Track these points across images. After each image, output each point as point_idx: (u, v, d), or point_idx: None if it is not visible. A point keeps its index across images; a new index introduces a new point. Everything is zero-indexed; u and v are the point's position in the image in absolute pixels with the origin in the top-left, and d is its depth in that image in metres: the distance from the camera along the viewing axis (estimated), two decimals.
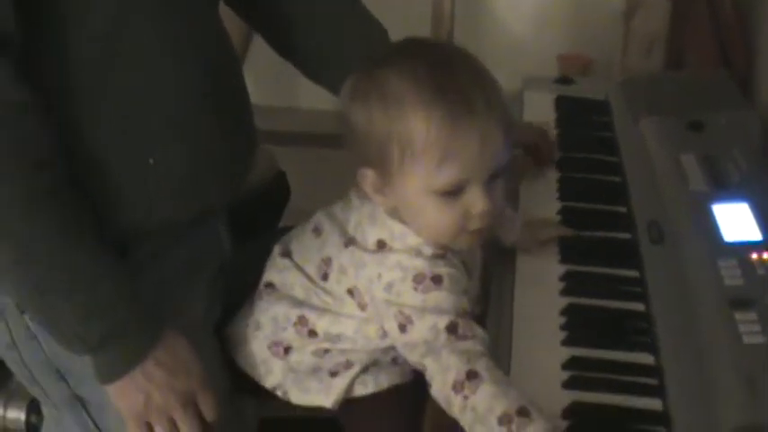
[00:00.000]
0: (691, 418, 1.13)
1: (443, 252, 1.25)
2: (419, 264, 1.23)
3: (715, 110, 1.81)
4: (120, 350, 1.23)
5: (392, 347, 1.32)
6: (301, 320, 1.35)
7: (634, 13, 2.15)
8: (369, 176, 1.24)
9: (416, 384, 1.35)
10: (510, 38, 2.30)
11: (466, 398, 1.14)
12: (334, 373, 1.35)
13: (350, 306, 1.31)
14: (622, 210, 1.60)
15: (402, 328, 1.22)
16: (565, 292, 1.38)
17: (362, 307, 1.29)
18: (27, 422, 2.26)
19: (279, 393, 1.40)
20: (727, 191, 1.51)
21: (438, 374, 1.17)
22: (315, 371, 1.36)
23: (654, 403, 1.18)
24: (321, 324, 1.34)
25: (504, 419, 1.09)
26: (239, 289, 1.47)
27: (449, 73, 1.20)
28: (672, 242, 1.45)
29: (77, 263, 1.19)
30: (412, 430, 1.39)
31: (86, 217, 1.20)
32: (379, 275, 1.25)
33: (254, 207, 1.67)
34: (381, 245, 1.26)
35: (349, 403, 1.37)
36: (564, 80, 2.12)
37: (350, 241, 1.30)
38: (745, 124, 1.74)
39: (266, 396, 1.42)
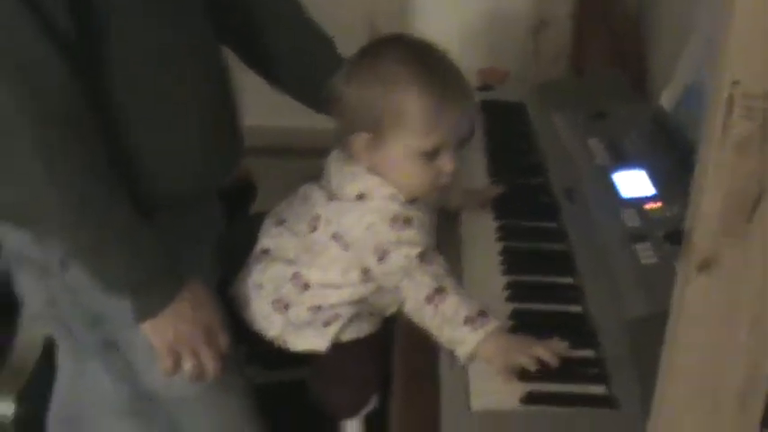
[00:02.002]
0: (605, 318, 1.46)
1: (413, 200, 1.55)
2: (394, 208, 1.53)
3: (614, 104, 2.15)
4: (157, 292, 1.50)
5: (369, 301, 1.63)
6: (296, 276, 1.63)
7: (542, 30, 2.48)
8: (363, 139, 1.54)
9: (386, 333, 1.68)
10: None
11: (436, 306, 1.44)
12: (326, 324, 1.63)
13: (335, 250, 1.58)
14: (542, 181, 1.93)
15: (380, 260, 1.52)
16: (500, 239, 1.70)
17: (345, 248, 1.57)
18: (16, 413, 2.49)
19: (279, 343, 1.67)
20: (627, 162, 1.86)
21: (412, 292, 1.48)
22: (310, 323, 1.64)
23: (576, 308, 1.51)
24: (313, 276, 1.62)
25: (467, 320, 1.41)
26: (228, 260, 1.76)
27: (434, 61, 1.54)
28: (583, 201, 1.78)
29: (126, 220, 1.45)
30: (383, 365, 1.66)
31: (125, 185, 1.47)
32: (360, 219, 1.54)
33: (230, 196, 1.97)
34: (361, 196, 1.55)
35: (336, 347, 1.65)
36: (485, 87, 2.45)
37: (333, 197, 1.60)
38: (640, 114, 2.09)
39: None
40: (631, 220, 1.65)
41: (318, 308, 1.63)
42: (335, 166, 1.62)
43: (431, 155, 1.53)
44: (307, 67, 1.80)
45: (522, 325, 1.45)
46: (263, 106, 2.16)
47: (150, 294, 1.50)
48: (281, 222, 1.69)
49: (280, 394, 1.93)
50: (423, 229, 1.53)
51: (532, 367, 1.33)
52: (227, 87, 1.66)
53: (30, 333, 2.66)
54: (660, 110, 1.99)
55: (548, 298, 1.53)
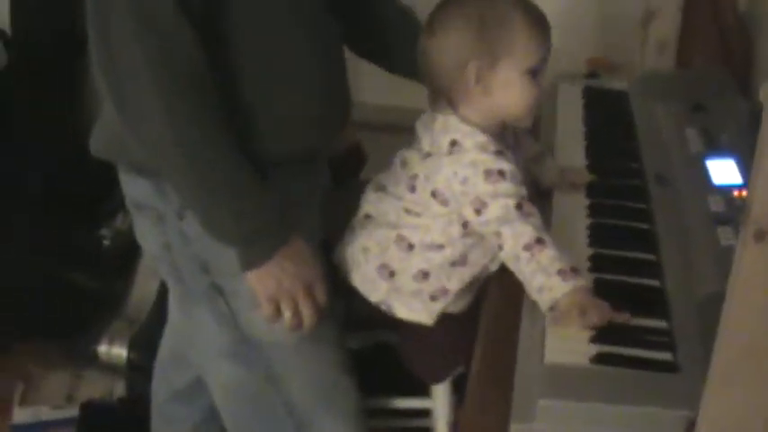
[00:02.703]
0: (681, 293, 1.55)
1: (502, 150, 1.64)
2: (487, 159, 1.62)
3: (716, 99, 2.20)
4: (263, 244, 1.61)
5: (470, 259, 1.72)
6: (399, 238, 1.72)
7: (650, 22, 2.53)
8: (474, 67, 1.62)
9: (478, 303, 1.78)
10: None
11: (533, 255, 1.54)
12: (433, 298, 1.74)
13: (435, 207, 1.67)
14: (635, 165, 2.00)
15: (478, 212, 1.61)
16: (589, 216, 1.79)
17: (444, 203, 1.66)
18: (128, 358, 2.67)
19: (383, 308, 1.78)
20: (720, 151, 1.92)
21: (511, 239, 1.57)
22: (416, 294, 1.74)
23: (654, 282, 1.60)
24: (415, 236, 1.71)
25: (561, 272, 1.51)
26: (332, 223, 1.85)
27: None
28: (674, 186, 1.86)
29: (238, 173, 1.56)
30: (472, 333, 1.72)
31: (240, 145, 1.58)
32: (455, 173, 1.63)
33: (340, 165, 2.09)
34: (453, 144, 1.64)
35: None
36: (591, 75, 2.52)
37: (427, 155, 1.69)
38: (739, 109, 2.13)
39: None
40: (717, 205, 1.72)
41: (425, 275, 1.72)
42: (425, 126, 1.71)
43: (535, 72, 1.63)
44: (394, 39, 1.90)
45: (600, 293, 1.52)
46: (380, 85, 2.26)
47: (255, 247, 1.61)
48: (380, 188, 1.78)
49: (371, 357, 2.04)
50: (515, 180, 1.62)
51: (604, 321, 1.45)
52: (338, 54, 1.77)
53: (145, 286, 2.84)
54: (759, 104, 2.03)
55: (628, 271, 1.61)
